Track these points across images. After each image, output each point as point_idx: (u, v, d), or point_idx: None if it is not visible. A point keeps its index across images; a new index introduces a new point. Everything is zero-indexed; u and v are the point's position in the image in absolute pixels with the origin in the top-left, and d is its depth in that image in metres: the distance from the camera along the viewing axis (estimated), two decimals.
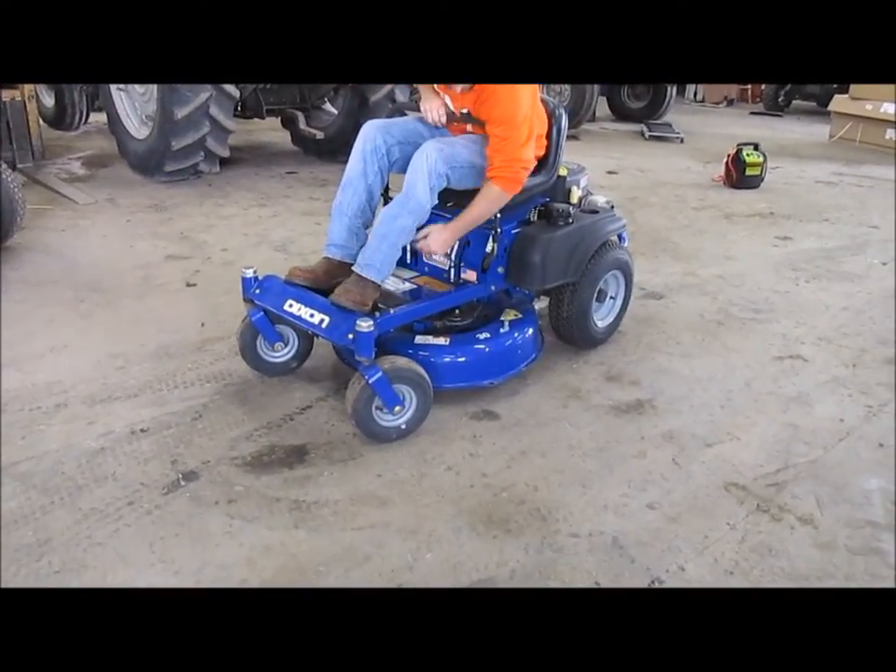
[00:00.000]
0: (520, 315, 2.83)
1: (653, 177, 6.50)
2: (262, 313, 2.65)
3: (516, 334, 2.75)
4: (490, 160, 2.51)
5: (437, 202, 2.51)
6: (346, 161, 2.64)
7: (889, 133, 8.08)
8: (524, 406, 2.68)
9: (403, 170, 2.50)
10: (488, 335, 2.68)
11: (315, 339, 2.74)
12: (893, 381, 2.96)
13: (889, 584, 1.91)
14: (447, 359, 2.59)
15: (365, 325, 2.25)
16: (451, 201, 2.65)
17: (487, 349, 2.66)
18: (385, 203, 2.70)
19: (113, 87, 5.73)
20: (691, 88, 12.73)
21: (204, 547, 1.96)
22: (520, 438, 2.49)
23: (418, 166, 2.42)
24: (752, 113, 11.45)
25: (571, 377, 2.91)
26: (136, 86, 5.59)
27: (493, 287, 2.77)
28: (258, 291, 2.62)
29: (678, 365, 3.04)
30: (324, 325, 2.38)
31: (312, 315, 2.42)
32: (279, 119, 6.56)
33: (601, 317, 3.15)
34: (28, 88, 5.37)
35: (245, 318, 2.71)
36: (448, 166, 2.45)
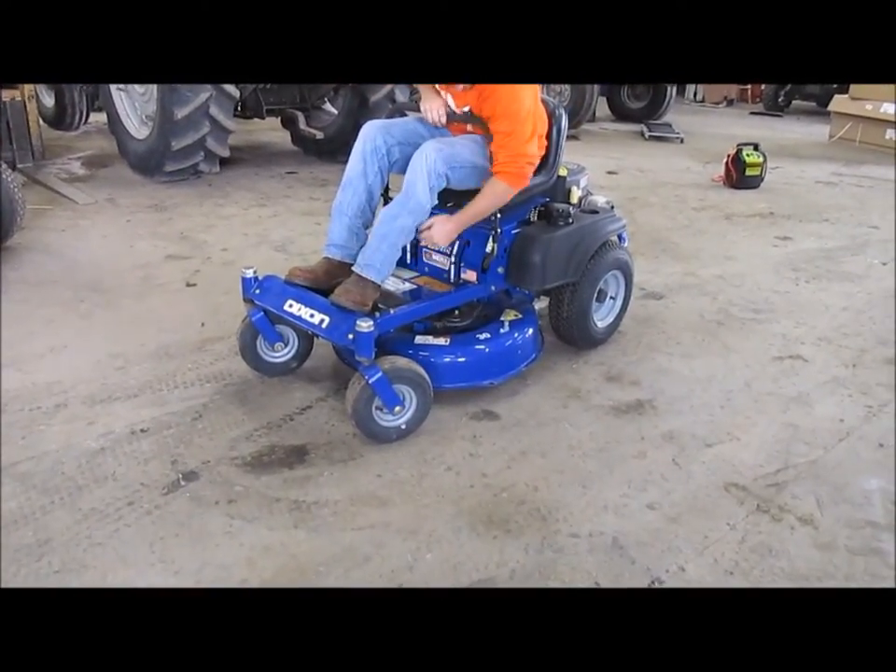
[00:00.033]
0: (520, 316, 2.83)
1: (653, 177, 6.51)
2: (262, 313, 2.65)
3: (516, 334, 2.75)
4: (495, 156, 2.51)
5: (437, 202, 2.51)
6: (346, 162, 2.64)
7: (889, 133, 8.08)
8: (524, 406, 2.68)
9: (403, 170, 2.50)
10: (488, 335, 2.68)
11: (315, 339, 2.74)
12: (893, 381, 2.96)
13: (889, 584, 1.91)
14: (447, 360, 2.59)
15: (365, 325, 2.25)
16: (451, 201, 2.65)
17: (487, 349, 2.66)
18: (385, 203, 2.70)
19: (113, 87, 5.73)
20: (691, 88, 12.74)
21: (204, 547, 1.96)
22: (520, 438, 2.49)
23: (418, 166, 2.42)
24: (752, 113, 11.46)
25: (571, 377, 2.91)
26: (136, 86, 5.60)
27: (493, 288, 2.77)
28: (258, 291, 2.62)
29: (678, 365, 3.04)
30: (324, 325, 2.38)
31: (312, 316, 2.42)
32: (279, 119, 6.56)
33: (601, 317, 3.15)
34: (28, 88, 5.38)
35: (244, 318, 2.71)
36: (448, 166, 2.45)
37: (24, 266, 3.79)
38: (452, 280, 2.78)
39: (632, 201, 5.59)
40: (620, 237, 3.17)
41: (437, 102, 2.62)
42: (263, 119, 6.38)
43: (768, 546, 2.03)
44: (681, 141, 8.40)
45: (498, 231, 2.63)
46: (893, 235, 4.90)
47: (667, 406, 2.73)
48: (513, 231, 2.75)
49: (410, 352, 2.53)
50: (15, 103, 5.22)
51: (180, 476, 2.23)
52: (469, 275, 2.75)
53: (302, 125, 6.26)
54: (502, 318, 2.79)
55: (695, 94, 12.77)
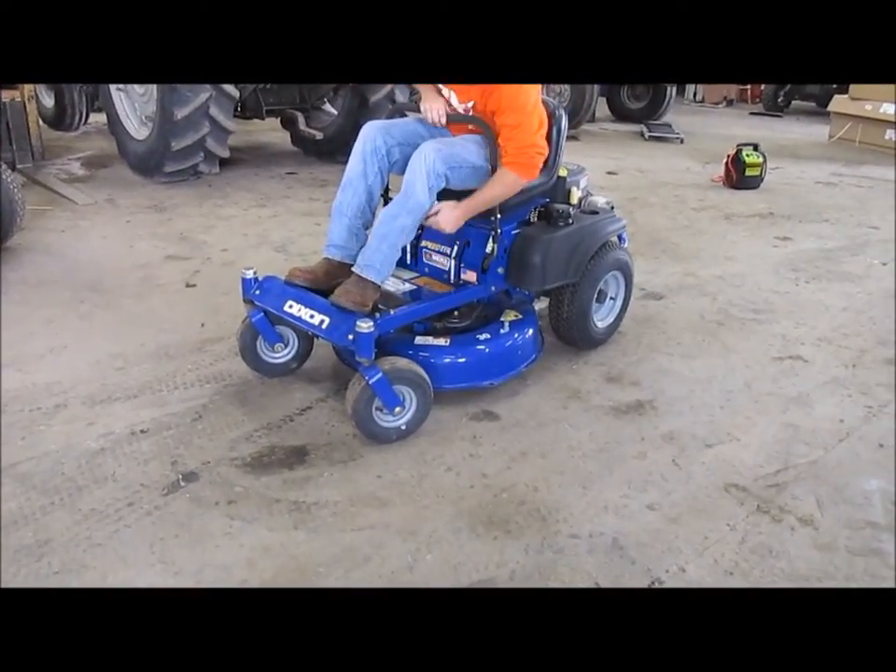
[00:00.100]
0: (520, 316, 2.83)
1: (653, 178, 6.51)
2: (262, 313, 2.65)
3: (516, 335, 2.75)
4: (503, 149, 2.52)
5: (436, 202, 2.51)
6: (346, 162, 2.63)
7: (889, 134, 8.08)
8: (524, 407, 2.68)
9: (403, 171, 2.50)
10: (488, 336, 2.68)
11: (315, 340, 2.74)
12: (893, 381, 2.96)
13: (889, 585, 1.91)
14: (447, 360, 2.59)
15: (365, 326, 2.25)
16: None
17: (487, 350, 2.65)
18: (385, 203, 2.70)
19: (112, 87, 5.73)
20: (690, 88, 12.75)
21: (204, 548, 1.95)
22: (520, 438, 2.49)
23: (417, 166, 2.42)
24: (752, 113, 11.47)
25: (571, 378, 2.91)
26: (136, 86, 5.60)
27: (493, 288, 2.77)
28: (258, 292, 2.62)
29: (678, 366, 3.04)
30: (324, 326, 2.38)
31: (312, 316, 2.42)
32: (279, 119, 6.56)
33: (601, 318, 3.15)
34: (28, 88, 5.38)
35: (244, 319, 2.71)
36: (447, 166, 2.45)
37: (24, 267, 3.79)
38: (452, 281, 2.78)
39: (632, 201, 5.59)
40: (620, 238, 3.17)
41: (437, 102, 2.63)
42: (263, 119, 6.38)
43: (768, 547, 2.03)
44: (681, 141, 8.40)
45: (498, 231, 2.63)
46: (893, 235, 4.90)
47: (667, 406, 2.73)
48: (513, 232, 2.75)
49: (410, 352, 2.53)
50: (15, 103, 5.23)
51: (180, 477, 2.22)
52: (469, 276, 2.75)
53: (302, 125, 6.27)
54: (502, 319, 2.79)
55: (695, 94, 12.77)
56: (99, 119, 6.75)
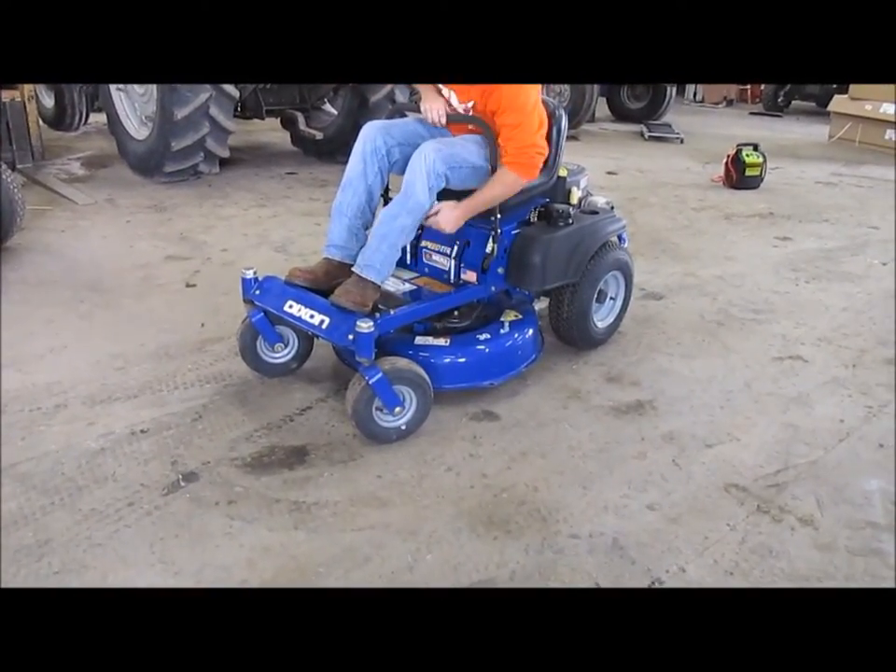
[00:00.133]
0: (520, 316, 2.83)
1: (653, 178, 6.51)
2: (262, 313, 2.65)
3: (516, 335, 2.75)
4: (503, 148, 2.52)
5: (436, 202, 2.51)
6: (346, 162, 2.63)
7: (889, 134, 8.08)
8: (524, 407, 2.68)
9: (403, 171, 2.50)
10: (488, 336, 2.68)
11: (315, 340, 2.74)
12: (893, 381, 2.96)
13: (889, 585, 1.91)
14: (447, 360, 2.59)
15: (365, 326, 2.25)
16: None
17: (487, 350, 2.65)
18: (385, 203, 2.70)
19: (112, 87, 5.73)
20: (690, 88, 12.76)
21: (204, 548, 1.95)
22: (520, 439, 2.49)
23: (417, 166, 2.42)
24: (752, 113, 11.47)
25: (571, 378, 2.91)
26: (136, 86, 5.60)
27: (493, 288, 2.77)
28: (258, 292, 2.62)
29: (678, 366, 3.04)
30: (324, 326, 2.38)
31: (312, 316, 2.42)
32: (279, 119, 6.56)
33: (601, 318, 3.15)
34: (28, 88, 5.38)
35: (244, 319, 2.71)
36: (447, 166, 2.45)
37: (24, 266, 3.79)
38: (452, 281, 2.78)
39: (632, 201, 5.59)
40: (620, 238, 3.17)
41: (437, 102, 2.63)
42: (263, 119, 6.38)
43: (768, 547, 2.03)
44: (681, 141, 8.40)
45: (498, 231, 2.63)
46: (893, 235, 4.90)
47: (667, 407, 2.72)
48: (513, 232, 2.75)
49: (410, 353, 2.53)
50: (15, 103, 5.23)
51: (180, 477, 2.22)
52: (469, 276, 2.75)
53: (302, 126, 6.27)
54: (502, 319, 2.79)
55: (695, 94, 12.78)
56: (99, 119, 6.75)
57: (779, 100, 11.47)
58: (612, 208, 3.20)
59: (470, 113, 2.63)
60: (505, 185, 2.55)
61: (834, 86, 9.40)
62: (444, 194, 2.53)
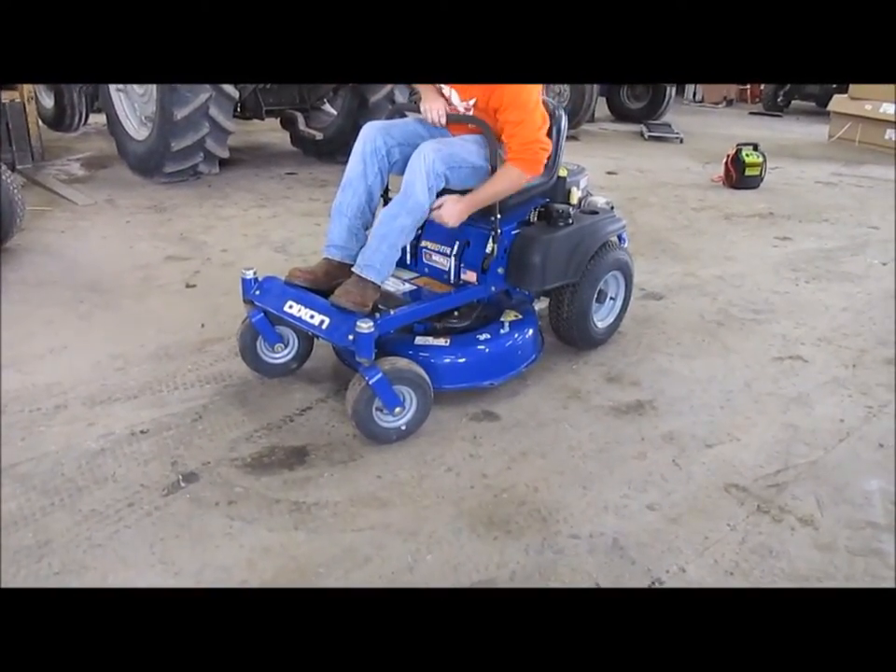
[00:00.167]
0: (520, 316, 2.83)
1: (653, 178, 6.51)
2: (262, 314, 2.65)
3: (516, 335, 2.75)
4: (507, 145, 2.53)
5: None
6: (346, 162, 2.63)
7: (889, 134, 8.08)
8: (524, 407, 2.68)
9: (403, 171, 2.50)
10: (488, 336, 2.68)
11: (315, 340, 2.74)
12: (893, 381, 2.96)
13: (889, 585, 1.91)
14: (447, 360, 2.59)
15: (365, 326, 2.25)
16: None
17: (487, 350, 2.65)
18: (385, 204, 2.70)
19: (112, 88, 5.73)
20: (690, 88, 12.76)
21: (204, 548, 1.95)
22: (520, 439, 2.49)
23: (416, 166, 2.42)
24: (751, 113, 11.47)
25: (571, 378, 2.91)
26: (135, 87, 5.60)
27: (493, 288, 2.77)
28: (258, 292, 2.62)
29: (678, 366, 3.04)
30: (324, 326, 2.38)
31: (312, 317, 2.42)
32: (278, 119, 6.56)
33: (601, 318, 3.15)
34: (27, 89, 5.39)
35: (244, 319, 2.71)
36: (446, 166, 2.45)
37: (24, 267, 3.79)
38: (452, 281, 2.78)
39: (631, 201, 5.59)
40: (620, 238, 3.17)
41: (437, 102, 2.63)
42: (263, 119, 6.38)
43: (768, 547, 2.03)
44: (681, 141, 8.41)
45: (498, 231, 2.63)
46: (893, 235, 4.90)
47: (667, 407, 2.72)
48: (513, 232, 2.75)
49: (410, 353, 2.53)
50: (14, 104, 5.23)
51: (180, 477, 2.22)
52: (469, 276, 2.75)
53: (302, 126, 6.27)
54: (502, 319, 2.79)
55: (695, 94, 12.78)
56: (99, 119, 6.75)
57: (779, 100, 11.48)
58: (612, 208, 3.19)
59: (472, 111, 2.63)
60: (510, 180, 2.55)
61: (834, 86, 9.39)
62: (445, 194, 2.53)
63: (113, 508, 2.08)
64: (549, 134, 2.70)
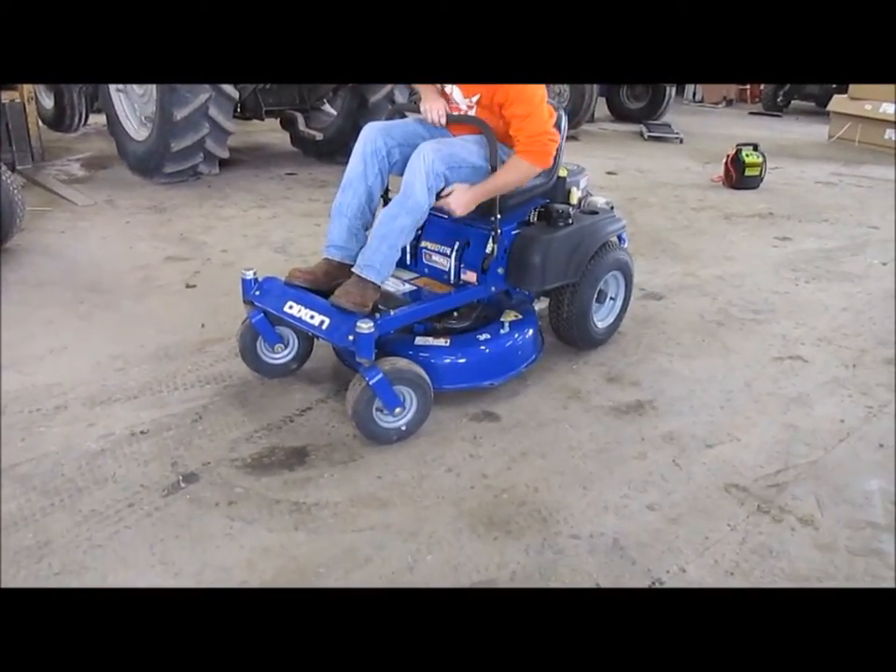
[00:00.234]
0: (520, 316, 2.82)
1: (653, 178, 6.51)
2: (262, 314, 2.65)
3: (516, 335, 2.74)
4: (515, 139, 2.54)
5: (435, 202, 2.51)
6: (345, 163, 2.64)
7: (889, 133, 8.08)
8: (524, 407, 2.68)
9: (403, 172, 2.50)
10: (488, 336, 2.68)
11: (315, 340, 2.74)
12: (893, 381, 2.96)
13: (889, 585, 1.91)
14: (447, 360, 2.59)
15: (365, 326, 2.25)
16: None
17: (487, 350, 2.65)
18: (385, 204, 2.70)
19: (112, 88, 5.74)
20: (690, 88, 12.76)
21: (204, 549, 1.95)
22: (520, 439, 2.49)
23: (416, 166, 2.42)
24: (751, 113, 11.47)
25: (571, 378, 2.91)
26: (135, 87, 5.60)
27: (493, 289, 2.77)
28: (258, 293, 2.62)
29: (678, 366, 3.04)
30: (324, 326, 2.38)
31: (312, 317, 2.42)
32: (278, 120, 6.56)
33: (601, 318, 3.15)
34: (27, 89, 5.39)
35: (244, 320, 2.71)
36: (446, 166, 2.45)
37: (24, 267, 3.79)
38: (452, 281, 2.78)
39: (631, 201, 5.59)
40: (620, 238, 3.17)
41: (437, 102, 2.63)
42: (262, 120, 6.38)
43: (769, 547, 2.03)
44: (681, 141, 8.41)
45: (498, 231, 2.63)
46: (893, 235, 4.90)
47: (667, 407, 2.72)
48: (513, 232, 2.75)
49: (410, 353, 2.53)
50: (14, 104, 5.24)
51: (180, 478, 2.22)
52: (469, 276, 2.75)
53: (302, 126, 6.27)
54: (502, 319, 2.79)
55: (694, 94, 12.78)
56: (98, 120, 6.75)
57: (779, 100, 11.48)
58: (612, 208, 3.19)
59: (474, 108, 2.63)
60: (519, 171, 2.56)
61: (834, 86, 9.39)
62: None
63: (113, 508, 2.08)
64: (556, 127, 2.70)
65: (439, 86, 2.69)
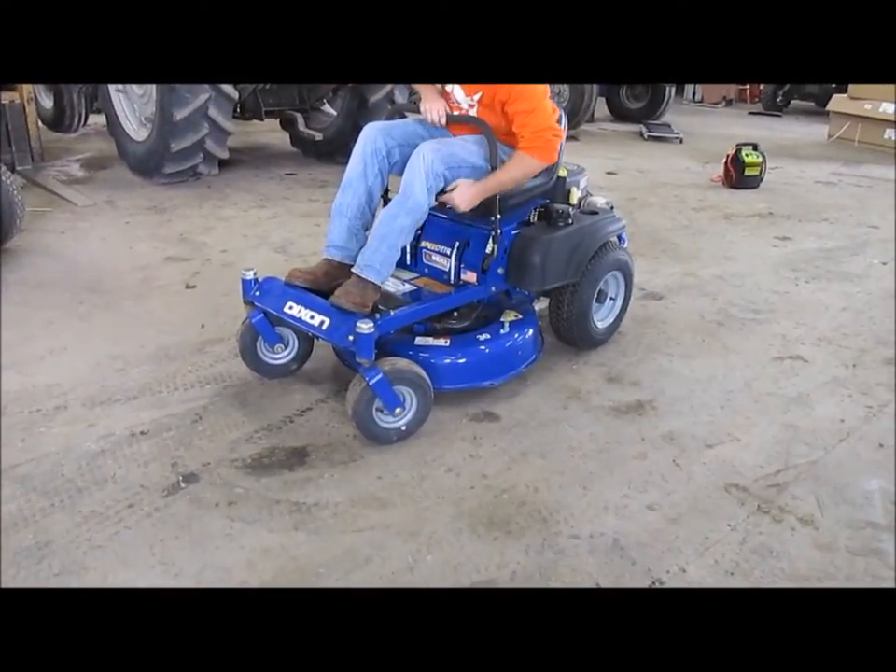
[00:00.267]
0: (520, 316, 2.82)
1: (652, 178, 6.51)
2: (262, 314, 2.65)
3: (516, 335, 2.74)
4: (519, 135, 2.53)
5: (435, 202, 2.51)
6: (345, 163, 2.64)
7: (888, 133, 8.08)
8: (524, 407, 2.68)
9: (403, 172, 2.50)
10: (488, 336, 2.68)
11: (315, 340, 2.74)
12: (893, 381, 2.96)
13: (889, 585, 1.91)
14: (447, 361, 2.59)
15: (365, 326, 2.25)
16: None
17: (487, 350, 2.65)
18: (385, 204, 2.70)
19: (112, 88, 5.73)
20: (689, 88, 12.76)
21: (204, 549, 1.95)
22: (520, 439, 2.49)
23: (415, 166, 2.42)
24: (751, 113, 11.47)
25: (571, 378, 2.91)
26: (135, 87, 5.60)
27: (493, 289, 2.76)
28: (258, 293, 2.62)
29: (678, 366, 3.04)
30: (324, 327, 2.38)
31: (312, 317, 2.42)
32: (278, 120, 6.56)
33: (601, 318, 3.15)
34: (27, 90, 5.39)
35: (244, 320, 2.71)
36: (446, 166, 2.45)
37: (24, 268, 3.78)
38: (452, 281, 2.78)
39: (631, 201, 5.59)
40: (619, 238, 3.17)
41: (437, 103, 2.63)
42: (262, 120, 6.38)
43: (769, 547, 2.03)
44: (680, 141, 8.41)
45: (498, 231, 2.63)
46: (893, 235, 4.90)
47: (668, 407, 2.72)
48: (513, 232, 2.75)
49: (410, 353, 2.53)
50: (14, 105, 5.24)
51: (180, 478, 2.22)
52: (469, 276, 2.75)
53: (301, 126, 6.27)
54: (502, 319, 2.78)
55: (694, 94, 12.78)
56: (98, 120, 6.74)
57: (778, 100, 11.48)
58: (612, 208, 3.19)
59: (476, 106, 2.63)
60: (524, 167, 2.56)
61: (834, 86, 9.40)
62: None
63: (113, 509, 2.08)
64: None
65: (439, 85, 2.69)
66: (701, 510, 2.18)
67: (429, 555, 1.96)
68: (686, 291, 3.85)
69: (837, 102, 8.67)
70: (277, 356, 2.77)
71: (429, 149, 2.43)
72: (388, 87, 5.97)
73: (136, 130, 5.69)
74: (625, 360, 3.07)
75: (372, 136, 2.58)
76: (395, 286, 2.74)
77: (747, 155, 6.08)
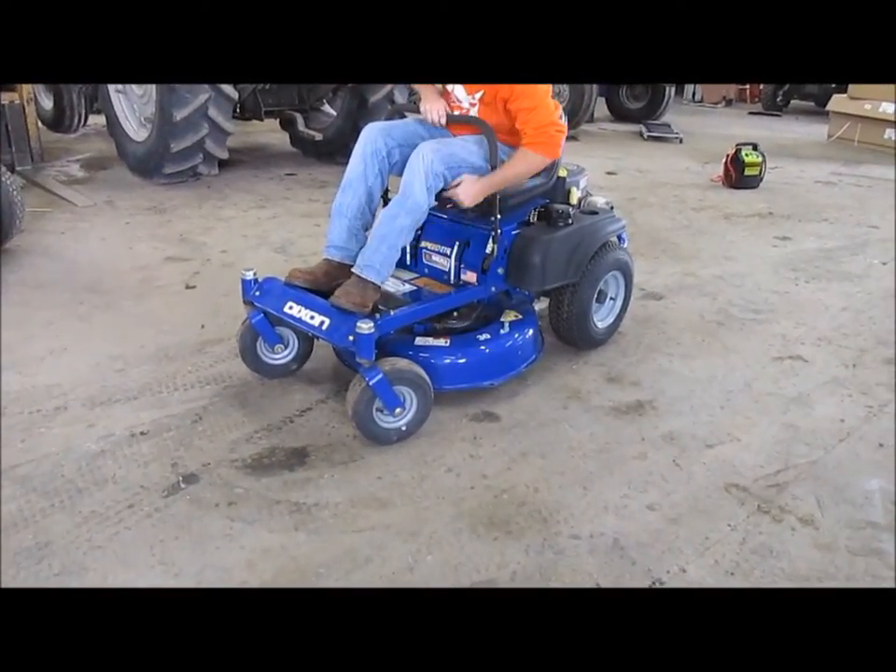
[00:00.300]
0: (520, 316, 2.82)
1: (652, 178, 6.51)
2: (262, 315, 2.65)
3: (516, 335, 2.74)
4: (522, 132, 2.53)
5: (435, 202, 2.51)
6: (345, 163, 2.64)
7: (888, 133, 8.08)
8: (524, 407, 2.68)
9: (403, 172, 2.50)
10: (488, 336, 2.68)
11: (315, 341, 2.74)
12: (893, 381, 2.96)
13: (889, 585, 1.91)
14: (447, 361, 2.59)
15: (365, 327, 2.25)
16: (451, 202, 2.64)
17: (487, 350, 2.65)
18: (385, 204, 2.70)
19: (111, 89, 5.74)
20: (689, 88, 12.77)
21: (204, 549, 1.95)
22: (520, 439, 2.49)
23: (415, 167, 2.42)
24: (751, 113, 11.48)
25: (571, 378, 2.91)
26: (135, 88, 5.60)
27: (493, 289, 2.76)
28: (257, 293, 2.62)
29: (678, 366, 3.04)
30: (324, 327, 2.38)
31: (312, 317, 2.42)
32: (278, 120, 6.56)
33: (601, 318, 3.15)
34: (27, 90, 5.39)
35: (244, 320, 2.71)
36: (445, 166, 2.45)
37: (24, 269, 3.78)
38: (452, 281, 2.78)
39: (631, 201, 5.59)
40: (619, 238, 3.17)
41: (437, 103, 2.63)
42: (262, 120, 6.38)
43: (769, 547, 2.03)
44: (680, 141, 8.41)
45: (498, 231, 2.63)
46: (893, 235, 4.90)
47: (668, 407, 2.72)
48: (513, 232, 2.75)
49: (410, 353, 2.53)
50: (14, 105, 5.24)
51: (180, 478, 2.22)
52: (469, 276, 2.75)
53: (301, 127, 6.27)
54: (502, 319, 2.78)
55: (694, 94, 12.79)
56: (98, 120, 6.74)
57: (778, 99, 11.49)
58: (612, 208, 3.19)
59: (477, 105, 2.63)
60: (528, 163, 2.56)
61: (833, 86, 9.40)
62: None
63: (113, 509, 2.08)
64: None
65: (439, 85, 2.69)
66: (701, 510, 2.18)
67: (429, 555, 1.96)
68: (686, 291, 3.85)
69: (837, 102, 8.68)
70: (277, 356, 2.77)
71: (429, 149, 2.43)
72: (388, 87, 5.98)
73: (136, 130, 5.69)
74: (625, 360, 3.07)
75: (372, 136, 2.58)
76: (395, 286, 2.74)
77: (746, 155, 6.09)
